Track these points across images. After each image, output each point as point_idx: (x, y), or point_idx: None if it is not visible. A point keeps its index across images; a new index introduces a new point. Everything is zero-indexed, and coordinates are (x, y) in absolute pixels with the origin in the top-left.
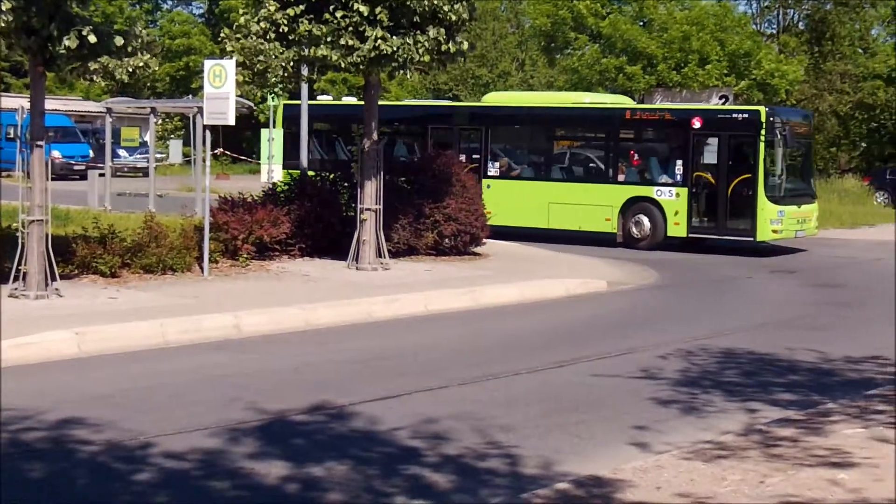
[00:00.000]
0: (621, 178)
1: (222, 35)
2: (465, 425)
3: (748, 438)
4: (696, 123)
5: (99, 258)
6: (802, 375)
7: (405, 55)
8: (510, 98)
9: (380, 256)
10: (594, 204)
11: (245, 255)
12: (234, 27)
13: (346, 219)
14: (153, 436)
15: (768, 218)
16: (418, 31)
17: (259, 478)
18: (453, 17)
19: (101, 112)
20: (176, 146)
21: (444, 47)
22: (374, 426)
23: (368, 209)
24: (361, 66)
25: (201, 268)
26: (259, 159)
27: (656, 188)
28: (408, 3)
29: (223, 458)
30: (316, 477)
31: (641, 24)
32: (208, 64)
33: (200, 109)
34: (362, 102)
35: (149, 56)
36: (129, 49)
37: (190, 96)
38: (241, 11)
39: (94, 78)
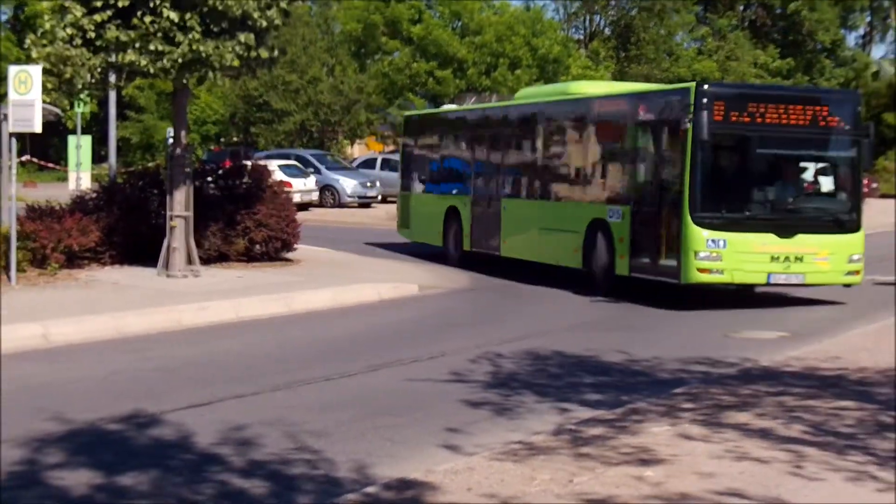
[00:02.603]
0: (589, 193)
1: (28, 41)
2: (277, 431)
3: (558, 438)
4: (641, 113)
5: None
6: (611, 376)
7: (217, 59)
8: (538, 92)
9: (190, 263)
10: (564, 229)
11: (54, 264)
12: (39, 33)
13: (156, 226)
14: None
15: (692, 249)
16: (228, 37)
17: (66, 488)
18: (264, 24)
19: None
20: None
21: (253, 53)
22: (184, 434)
23: (178, 216)
24: (172, 72)
25: (8, 277)
26: (67, 167)
27: (609, 207)
28: (218, 8)
29: (31, 469)
30: (124, 486)
31: (453, 28)
32: (13, 70)
33: (6, 116)
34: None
35: None
36: None
37: None
38: (46, 17)
39: None
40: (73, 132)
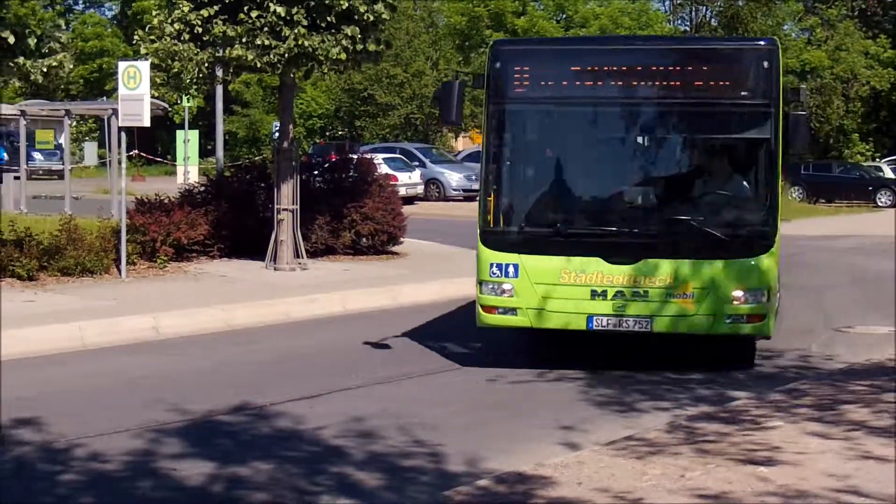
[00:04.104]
0: None
1: (136, 37)
2: (388, 423)
3: (669, 434)
4: None
5: (16, 261)
6: (717, 371)
7: (324, 53)
8: None
9: (297, 256)
10: None
11: (163, 257)
12: (147, 28)
13: (263, 219)
14: (75, 438)
15: (478, 278)
16: (334, 30)
17: (183, 478)
18: (370, 18)
19: (15, 115)
20: (91, 148)
21: (359, 46)
22: (297, 425)
23: (285, 209)
24: (278, 66)
25: (119, 270)
26: (174, 161)
27: None
28: (325, 2)
29: (147, 459)
30: (240, 476)
31: (557, 21)
32: (122, 65)
33: (115, 111)
34: None
35: (63, 55)
36: (44, 50)
37: (104, 98)
38: (154, 13)
39: (8, 79)
40: (181, 126)
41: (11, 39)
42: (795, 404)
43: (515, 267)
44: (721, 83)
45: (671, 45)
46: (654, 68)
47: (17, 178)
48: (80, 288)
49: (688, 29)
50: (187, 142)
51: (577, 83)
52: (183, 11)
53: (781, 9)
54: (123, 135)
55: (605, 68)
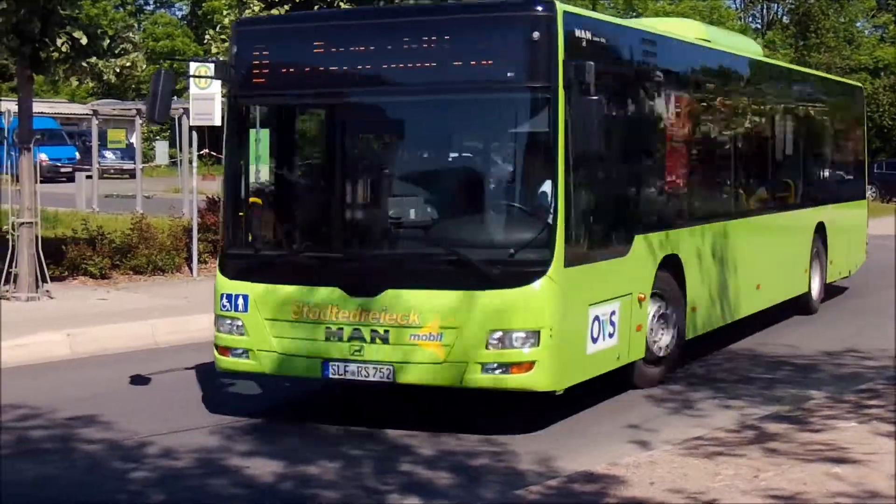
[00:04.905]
0: None
1: (207, 36)
2: (456, 422)
3: (741, 434)
4: None
5: (89, 260)
6: (788, 371)
7: None
8: None
9: None
10: None
11: None
12: (218, 28)
13: None
14: (147, 435)
15: (215, 312)
16: None
17: (254, 476)
18: None
19: (87, 114)
20: (162, 147)
21: None
22: (366, 423)
23: None
24: None
25: (190, 268)
26: None
27: None
28: (393, 0)
29: (218, 457)
30: (310, 475)
31: (629, 18)
32: (194, 65)
33: (186, 111)
34: None
35: (136, 55)
36: (117, 50)
37: (175, 98)
38: (224, 12)
39: (82, 79)
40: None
41: (84, 40)
42: (869, 404)
43: (245, 299)
44: (481, 62)
45: (423, 17)
46: (406, 47)
47: (89, 177)
48: (151, 286)
49: (759, 26)
50: (258, 142)
51: (321, 69)
52: (254, 11)
53: (854, 6)
54: (194, 134)
55: (353, 49)
